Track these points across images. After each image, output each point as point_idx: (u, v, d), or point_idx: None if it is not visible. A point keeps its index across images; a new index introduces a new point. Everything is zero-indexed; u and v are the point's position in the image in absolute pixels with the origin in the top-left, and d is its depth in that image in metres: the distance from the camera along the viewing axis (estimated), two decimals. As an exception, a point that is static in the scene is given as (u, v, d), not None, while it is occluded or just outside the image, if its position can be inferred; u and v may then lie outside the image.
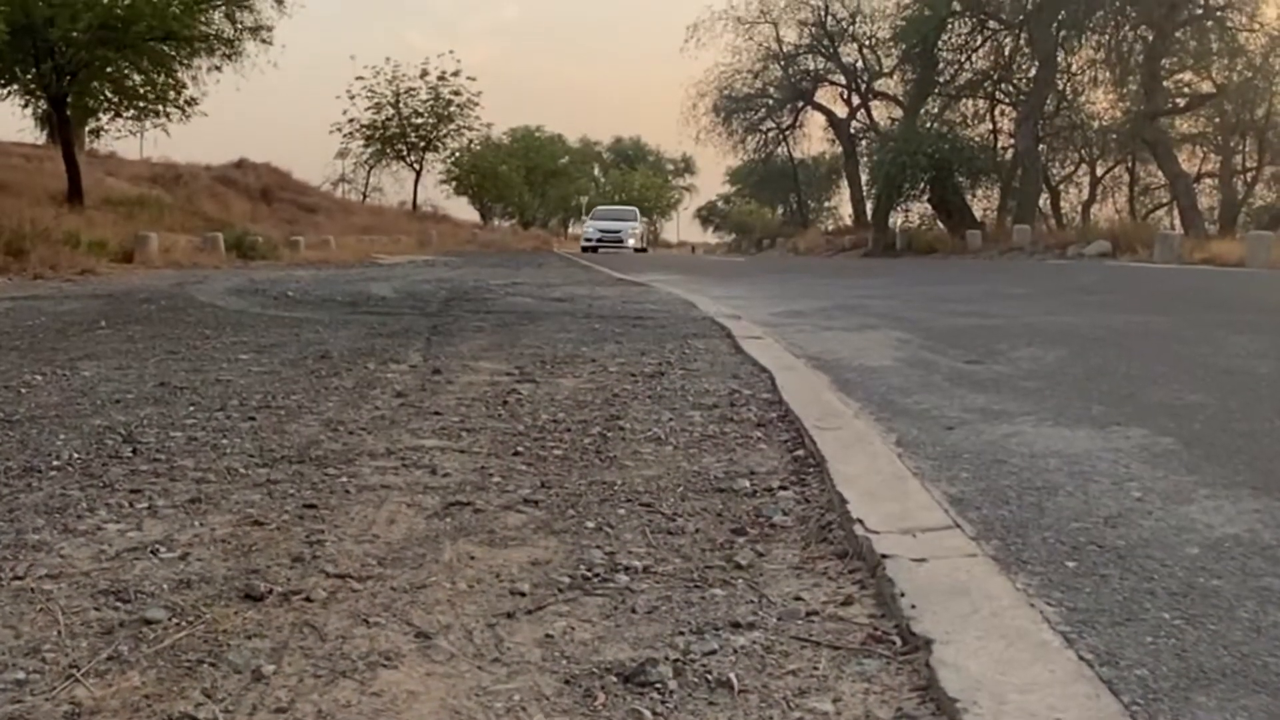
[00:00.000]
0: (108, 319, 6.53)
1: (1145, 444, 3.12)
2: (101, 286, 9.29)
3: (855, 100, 35.24)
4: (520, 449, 3.15)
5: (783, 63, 35.02)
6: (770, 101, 36.51)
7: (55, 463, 2.89)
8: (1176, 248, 15.41)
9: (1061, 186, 34.32)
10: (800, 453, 3.12)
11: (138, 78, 20.23)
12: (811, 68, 35.50)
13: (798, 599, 1.99)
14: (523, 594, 1.99)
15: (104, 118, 21.75)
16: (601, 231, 32.49)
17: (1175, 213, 28.30)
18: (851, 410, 3.67)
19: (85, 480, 2.72)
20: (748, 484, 2.79)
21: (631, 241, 32.30)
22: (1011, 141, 29.45)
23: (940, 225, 29.16)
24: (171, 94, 20.36)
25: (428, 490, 2.69)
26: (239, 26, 20.43)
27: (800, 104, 36.34)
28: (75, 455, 2.98)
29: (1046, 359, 4.87)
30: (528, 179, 50.76)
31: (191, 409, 3.68)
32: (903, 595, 1.90)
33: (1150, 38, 25.71)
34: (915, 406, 3.74)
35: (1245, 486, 2.66)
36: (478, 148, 46.69)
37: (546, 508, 2.56)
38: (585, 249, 31.17)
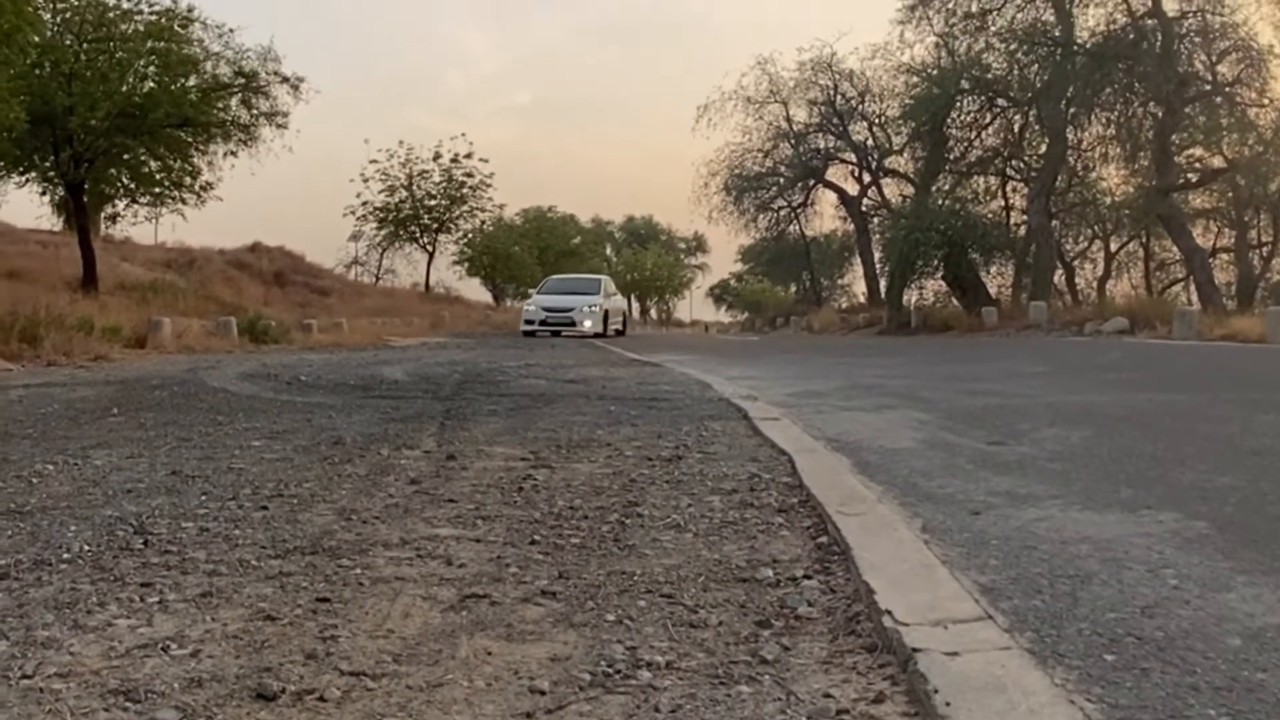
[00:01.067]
0: (120, 406, 6.52)
1: (1178, 528, 3.05)
2: (114, 372, 9.31)
3: (866, 178, 35.51)
4: (537, 537, 3.09)
5: (793, 141, 35.37)
6: (781, 180, 36.81)
7: (66, 555, 2.84)
8: (1195, 324, 15.33)
9: (1076, 262, 34.34)
10: (824, 539, 3.05)
11: (154, 164, 20.56)
12: (822, 146, 35.84)
13: (827, 696, 1.92)
14: (543, 692, 1.92)
15: (120, 204, 22.07)
16: (547, 310, 25.76)
17: (1192, 288, 28.24)
18: (874, 494, 3.60)
19: (96, 573, 2.67)
20: (771, 573, 2.72)
21: (589, 324, 25.41)
22: (1024, 217, 29.52)
23: (955, 302, 29.13)
24: (187, 179, 20.67)
25: (443, 582, 2.63)
26: (255, 112, 20.81)
27: (811, 182, 36.62)
28: (86, 547, 2.94)
29: (1071, 440, 4.80)
30: (540, 260, 51.05)
31: (203, 498, 3.63)
32: (936, 692, 1.82)
33: (1160, 114, 25.88)
34: (939, 490, 3.67)
35: (1284, 572, 2.58)
36: (490, 229, 47.10)
37: (565, 600, 2.50)
38: (526, 333, 25.08)
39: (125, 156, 19.95)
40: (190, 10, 19.41)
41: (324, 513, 3.41)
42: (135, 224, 22.27)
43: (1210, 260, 28.61)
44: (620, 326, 28.65)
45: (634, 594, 2.54)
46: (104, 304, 16.01)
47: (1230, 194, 29.16)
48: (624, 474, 4.11)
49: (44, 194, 22.78)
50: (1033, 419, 5.50)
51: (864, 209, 35.39)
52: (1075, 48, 26.62)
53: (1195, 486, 3.65)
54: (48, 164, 19.66)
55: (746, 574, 2.72)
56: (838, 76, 34.19)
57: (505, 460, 4.45)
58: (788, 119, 35.29)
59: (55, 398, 7.05)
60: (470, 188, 42.06)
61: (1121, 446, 4.59)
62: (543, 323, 25.39)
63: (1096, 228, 33.09)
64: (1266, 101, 25.60)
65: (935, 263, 28.74)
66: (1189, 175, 27.74)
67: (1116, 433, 5.04)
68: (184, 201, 21.11)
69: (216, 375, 8.35)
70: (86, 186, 20.08)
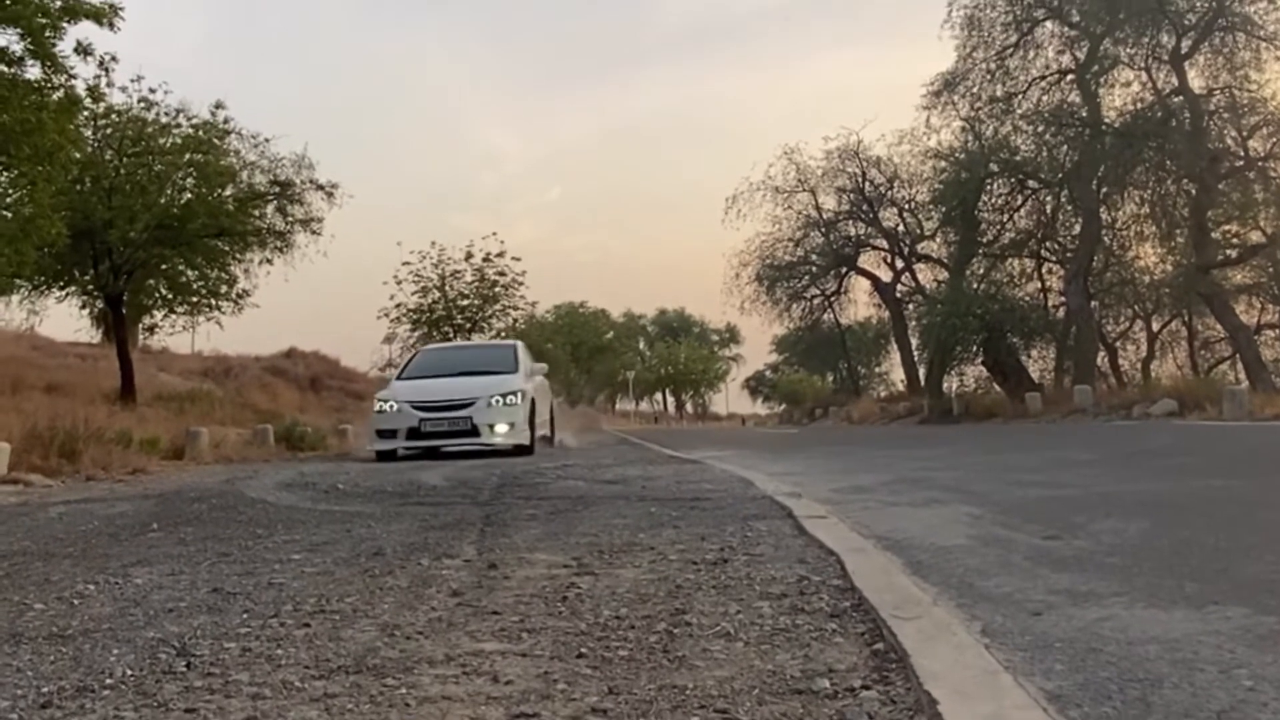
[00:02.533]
0: (159, 521, 6.52)
1: (1248, 625, 2.93)
2: (153, 486, 9.35)
3: (899, 264, 35.63)
4: (584, 650, 3.01)
5: (823, 229, 35.62)
6: (813, 268, 36.98)
7: (109, 681, 2.80)
8: (1246, 404, 15.09)
9: (1118, 344, 34.06)
10: (880, 646, 2.95)
11: (191, 273, 20.94)
12: (852, 233, 36.06)
13: (894, 822, 1.82)
14: (595, 823, 1.84)
15: (158, 314, 22.45)
16: (422, 407, 14.15)
17: (1239, 366, 27.88)
18: (929, 596, 3.50)
19: (139, 699, 2.62)
20: (827, 684, 2.63)
21: (503, 428, 14.08)
22: (1062, 299, 29.42)
23: (997, 388, 28.90)
24: (224, 288, 21.02)
25: (490, 701, 2.56)
26: (290, 219, 21.21)
27: (844, 270, 36.76)
28: (129, 671, 2.89)
29: (1129, 531, 4.67)
30: (573, 356, 51.22)
31: (245, 616, 3.59)
32: (1010, 815, 1.73)
33: (1193, 191, 25.90)
34: (997, 590, 3.57)
35: (1364, 669, 2.47)
36: (523, 326, 47.45)
37: (616, 717, 2.42)
38: (382, 455, 14.14)
39: (163, 267, 20.38)
40: (227, 122, 19.96)
41: (367, 629, 3.35)
42: (173, 334, 22.72)
43: (1256, 337, 28.27)
44: (549, 430, 17.02)
45: (687, 709, 2.46)
46: (142, 415, 16.20)
47: (1270, 269, 28.90)
48: (669, 579, 4.03)
49: (84, 307, 23.23)
50: (1087, 511, 5.37)
51: (898, 295, 35.42)
52: (1103, 127, 26.80)
53: (1262, 579, 3.53)
54: (87, 277, 20.10)
55: (802, 685, 2.63)
56: (865, 163, 34.55)
57: (548, 568, 4.39)
58: (817, 207, 35.62)
59: (95, 514, 7.07)
60: (503, 286, 42.50)
61: (1182, 538, 4.46)
62: (413, 433, 14.00)
63: (1137, 307, 32.86)
64: (1300, 174, 25.57)
65: (974, 348, 28.66)
66: (1228, 251, 27.60)
67: (1175, 523, 4.91)
68: (221, 310, 21.47)
69: (255, 486, 8.36)
70: (125, 298, 20.47)
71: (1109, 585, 3.55)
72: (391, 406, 14.34)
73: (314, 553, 5.01)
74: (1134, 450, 10.19)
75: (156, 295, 21.74)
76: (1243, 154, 25.75)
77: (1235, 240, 27.75)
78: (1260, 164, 25.49)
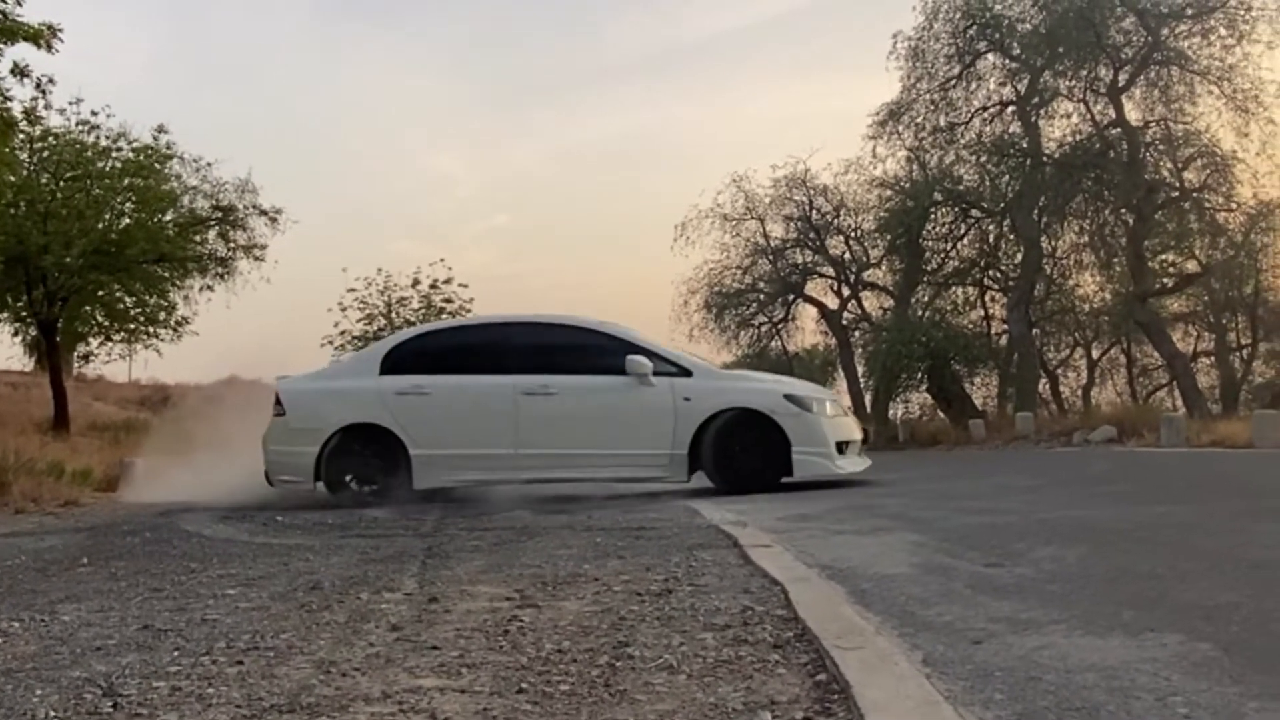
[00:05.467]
0: (90, 555, 6.36)
1: (1183, 651, 2.96)
2: (85, 518, 9.13)
3: (846, 291, 35.83)
4: (524, 685, 2.97)
5: (771, 257, 35.72)
6: (761, 296, 37.04)
7: (29, 724, 2.71)
8: (1182, 430, 15.31)
9: (1059, 371, 34.53)
10: (822, 677, 2.94)
11: (129, 300, 20.55)
12: (800, 261, 36.20)
13: None
14: None
15: (94, 342, 22.01)
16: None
17: (1177, 393, 28.37)
18: (872, 625, 3.49)
19: (59, 743, 2.54)
20: (769, 716, 2.62)
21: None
22: (1005, 327, 29.80)
23: (941, 415, 29.16)
24: (163, 315, 20.65)
25: (425, 740, 2.51)
26: (232, 245, 20.88)
27: (791, 297, 36.87)
28: (52, 713, 2.81)
29: (1068, 559, 4.71)
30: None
31: (176, 654, 3.50)
32: None
33: (1131, 221, 26.38)
34: (938, 619, 3.57)
35: (1296, 696, 2.50)
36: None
37: (553, 756, 2.38)
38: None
39: (100, 293, 19.99)
40: (169, 146, 19.67)
41: (302, 666, 3.28)
42: (109, 362, 22.18)
43: (1192, 364, 28.80)
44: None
45: (625, 747, 2.43)
46: (75, 445, 15.82)
47: (1206, 298, 29.48)
48: (613, 611, 3.99)
49: (16, 334, 22.73)
50: (1028, 538, 5.41)
51: (845, 323, 35.64)
52: (1044, 158, 27.25)
53: (1197, 605, 3.57)
54: (20, 303, 19.66)
55: (744, 718, 2.62)
56: (812, 192, 34.76)
57: (490, 600, 4.33)
58: (765, 235, 35.74)
59: (23, 548, 6.88)
60: (449, 313, 42.27)
61: (1119, 564, 4.50)
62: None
63: (1077, 335, 33.37)
64: (1234, 206, 26.15)
65: (919, 375, 28.89)
66: (1164, 280, 28.12)
67: (1113, 549, 4.96)
68: (159, 338, 21.10)
69: (190, 519, 8.18)
70: (60, 325, 20.04)
71: (1048, 613, 3.57)
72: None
73: (249, 587, 4.91)
74: (1073, 477, 10.30)
75: (93, 322, 21.33)
76: (1178, 185, 26.27)
77: (1172, 269, 28.28)
78: (1195, 195, 26.01)
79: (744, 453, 9.33)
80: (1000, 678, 2.79)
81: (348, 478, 9.43)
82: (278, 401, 9.86)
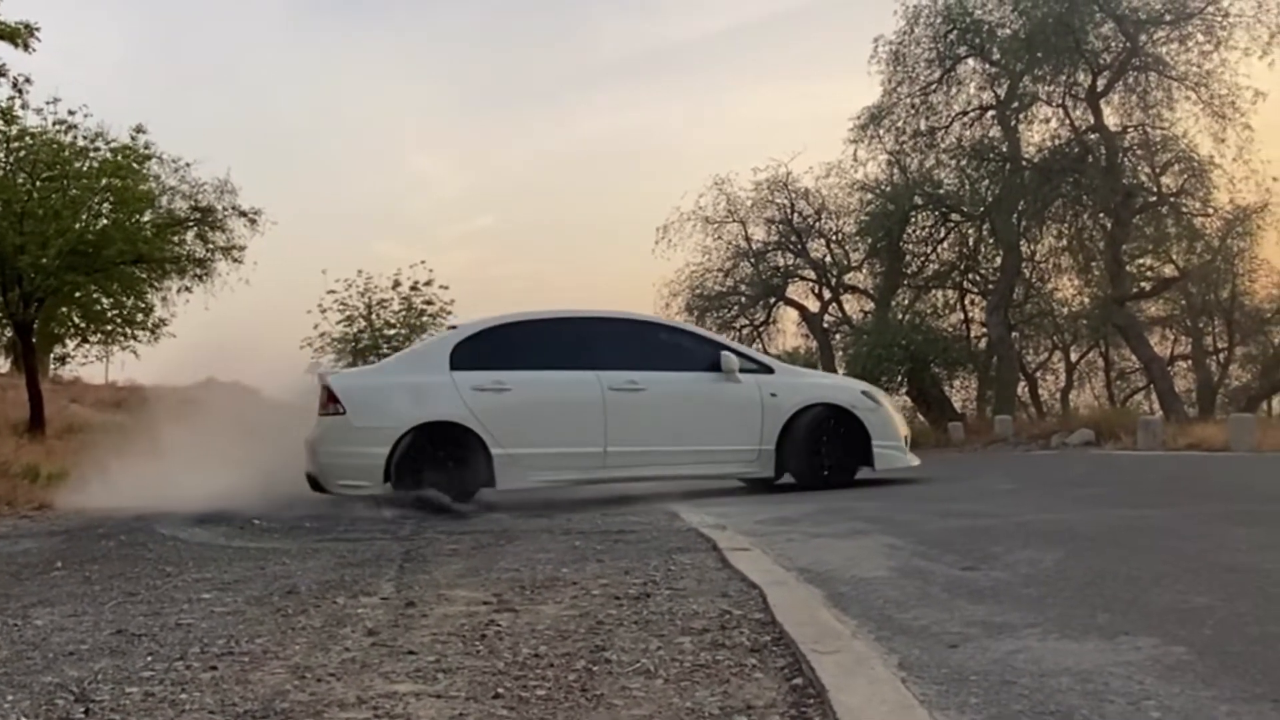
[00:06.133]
0: (64, 559, 6.31)
1: (1157, 655, 2.97)
2: (60, 522, 9.04)
3: (827, 294, 35.88)
4: (500, 690, 2.97)
5: (753, 260, 35.72)
6: (742, 298, 37.03)
7: (-1, 730, 2.69)
8: (1159, 433, 15.41)
9: (1038, 374, 34.70)
10: (799, 681, 2.95)
11: (106, 301, 20.36)
12: (781, 264, 36.22)
13: None
14: None
15: (70, 343, 21.81)
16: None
17: (1154, 396, 28.53)
18: (849, 629, 3.50)
19: (29, 750, 2.52)
20: (745, 721, 2.62)
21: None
22: (984, 330, 29.93)
23: (921, 418, 29.25)
24: (140, 316, 20.47)
25: (400, 746, 2.50)
26: (211, 246, 20.71)
27: (772, 300, 36.88)
28: (24, 719, 2.79)
29: (1044, 562, 4.73)
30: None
31: (149, 659, 3.47)
32: None
33: (1109, 225, 26.53)
34: (914, 622, 3.58)
35: (1266, 700, 2.52)
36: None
37: (528, 761, 2.37)
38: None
39: (77, 295, 19.80)
40: (147, 146, 19.51)
41: (277, 671, 3.27)
42: (85, 363, 21.91)
43: (1169, 368, 28.97)
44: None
45: (600, 752, 2.42)
46: (50, 448, 15.65)
47: (1183, 302, 29.68)
48: (591, 615, 3.99)
49: (-10, 337, 22.47)
50: (1005, 541, 5.43)
51: (826, 326, 35.70)
52: (1023, 162, 27.38)
53: (1172, 609, 3.59)
54: (-6, 306, 19.45)
55: (719, 724, 2.61)
56: (793, 195, 34.76)
57: (467, 604, 4.32)
58: (746, 238, 35.73)
59: (-4, 551, 6.83)
60: (430, 315, 42.06)
61: (1095, 567, 4.52)
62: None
63: (1056, 338, 33.50)
64: (1211, 211, 26.33)
65: (899, 378, 28.94)
66: (1142, 284, 28.28)
67: (1089, 553, 4.98)
68: (136, 339, 20.91)
69: (166, 521, 8.09)
70: (36, 326, 19.84)
71: (1024, 616, 3.58)
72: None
73: (225, 591, 4.88)
74: (1051, 480, 10.36)
75: (69, 324, 21.13)
76: (1156, 190, 26.41)
77: (1149, 273, 28.42)
78: (1172, 200, 26.16)
79: (831, 446, 9.51)
80: (975, 681, 2.80)
81: (423, 480, 8.67)
82: (332, 399, 8.96)
